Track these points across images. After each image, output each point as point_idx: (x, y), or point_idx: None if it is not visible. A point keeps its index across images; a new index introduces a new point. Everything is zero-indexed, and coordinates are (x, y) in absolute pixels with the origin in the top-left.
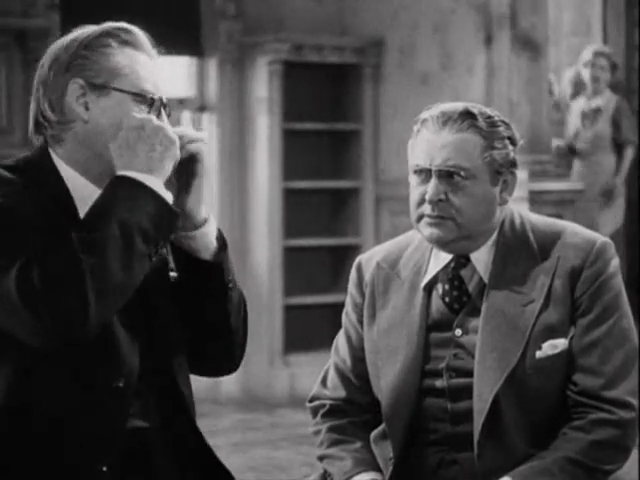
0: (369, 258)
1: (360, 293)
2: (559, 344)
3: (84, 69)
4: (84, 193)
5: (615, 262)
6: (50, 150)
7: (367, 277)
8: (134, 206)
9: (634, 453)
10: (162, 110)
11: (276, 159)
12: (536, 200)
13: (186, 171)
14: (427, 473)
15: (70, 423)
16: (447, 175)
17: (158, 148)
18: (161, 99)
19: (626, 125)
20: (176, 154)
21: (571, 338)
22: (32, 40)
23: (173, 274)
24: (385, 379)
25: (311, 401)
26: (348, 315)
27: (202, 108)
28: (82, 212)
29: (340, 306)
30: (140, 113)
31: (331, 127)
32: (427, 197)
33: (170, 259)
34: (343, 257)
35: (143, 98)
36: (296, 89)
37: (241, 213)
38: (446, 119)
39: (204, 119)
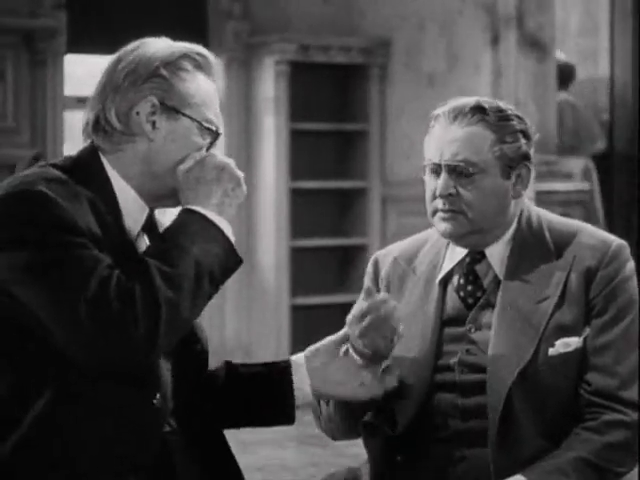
0: (386, 254)
1: (376, 287)
2: (572, 342)
3: (160, 89)
4: (132, 206)
5: (630, 265)
6: (101, 155)
7: (383, 272)
8: (206, 247)
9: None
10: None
11: (283, 159)
12: (543, 200)
13: None
14: (436, 470)
15: (105, 439)
16: (456, 169)
17: (231, 194)
18: (221, 134)
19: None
20: (241, 203)
21: (585, 338)
22: (39, 40)
23: None
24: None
25: None
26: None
27: None
28: (127, 223)
29: (347, 306)
30: (216, 152)
31: (338, 127)
32: (437, 192)
33: None
34: (350, 257)
35: (208, 130)
36: (303, 89)
37: (248, 213)
38: (456, 114)
39: None
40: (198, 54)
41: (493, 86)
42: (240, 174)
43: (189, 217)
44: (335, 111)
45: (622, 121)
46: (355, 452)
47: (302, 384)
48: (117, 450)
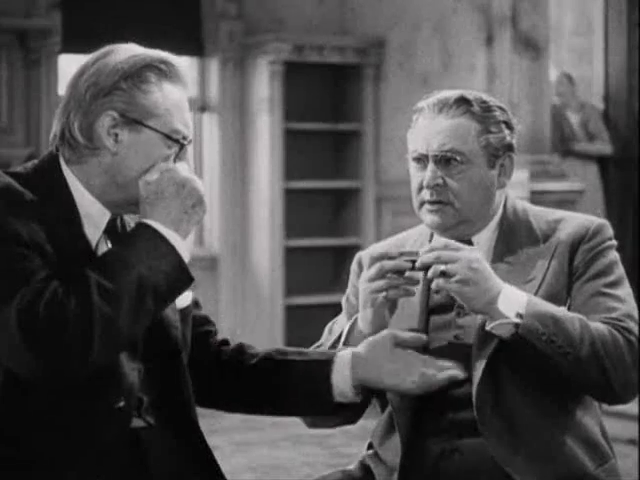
0: (370, 250)
1: None
2: None
3: (121, 101)
4: (91, 211)
5: (612, 242)
6: (62, 162)
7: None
8: (154, 263)
9: (634, 452)
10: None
11: (277, 159)
12: (537, 200)
13: None
14: (429, 465)
15: (69, 442)
16: (444, 160)
17: (190, 211)
18: (189, 140)
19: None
20: (202, 220)
21: (569, 307)
22: (34, 40)
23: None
24: None
25: None
26: (349, 301)
27: (203, 108)
28: (87, 229)
29: (341, 306)
30: (183, 168)
31: (332, 127)
32: (424, 182)
33: None
34: (344, 257)
35: (174, 140)
36: (297, 89)
37: (242, 213)
38: (441, 106)
39: (205, 119)
40: (162, 62)
41: (487, 86)
42: (202, 191)
43: (141, 231)
44: (329, 111)
45: (616, 121)
46: (351, 452)
47: (342, 382)
48: (82, 454)
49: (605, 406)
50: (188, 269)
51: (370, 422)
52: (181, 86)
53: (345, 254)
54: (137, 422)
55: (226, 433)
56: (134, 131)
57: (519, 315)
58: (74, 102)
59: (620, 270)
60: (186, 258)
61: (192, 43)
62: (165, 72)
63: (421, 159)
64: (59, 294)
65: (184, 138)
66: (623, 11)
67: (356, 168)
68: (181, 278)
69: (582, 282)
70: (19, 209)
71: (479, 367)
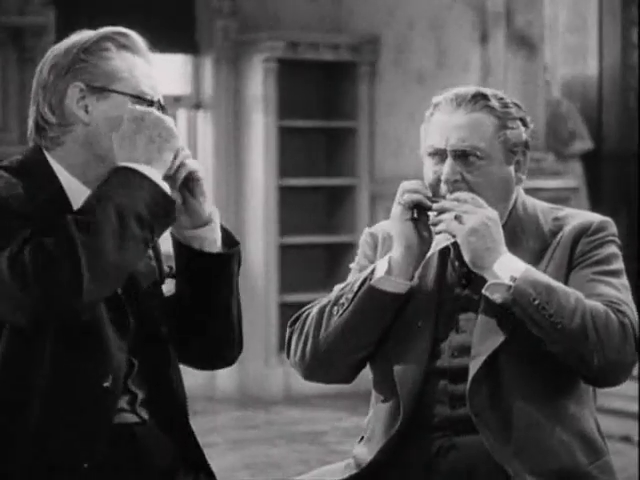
0: (378, 228)
1: (375, 252)
2: None
3: (84, 73)
4: (80, 196)
5: (615, 238)
6: (46, 152)
7: (380, 238)
8: (130, 192)
9: (628, 449)
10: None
11: (271, 157)
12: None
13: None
14: (426, 461)
15: (55, 422)
16: (462, 155)
17: (157, 139)
18: (159, 101)
19: None
20: (175, 146)
21: None
22: (28, 38)
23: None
24: (398, 350)
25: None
26: (359, 265)
27: (197, 106)
28: None
29: None
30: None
31: (326, 125)
32: (443, 177)
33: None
34: (338, 255)
35: (142, 100)
36: (291, 87)
37: (236, 211)
38: (460, 100)
39: (199, 117)
40: (119, 34)
41: (482, 84)
42: (164, 116)
43: (113, 172)
44: (324, 108)
45: (611, 118)
46: (345, 449)
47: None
48: (68, 432)
49: (600, 403)
50: (166, 192)
51: (364, 419)
52: (141, 56)
53: (339, 251)
54: (131, 418)
55: (220, 431)
56: (102, 98)
57: (514, 279)
58: (40, 89)
59: (620, 264)
60: (162, 184)
61: (186, 41)
62: (123, 43)
63: (437, 154)
64: (43, 240)
65: (152, 101)
66: (617, 8)
67: (350, 166)
68: (161, 202)
69: (579, 269)
70: (11, 191)
71: (477, 364)
